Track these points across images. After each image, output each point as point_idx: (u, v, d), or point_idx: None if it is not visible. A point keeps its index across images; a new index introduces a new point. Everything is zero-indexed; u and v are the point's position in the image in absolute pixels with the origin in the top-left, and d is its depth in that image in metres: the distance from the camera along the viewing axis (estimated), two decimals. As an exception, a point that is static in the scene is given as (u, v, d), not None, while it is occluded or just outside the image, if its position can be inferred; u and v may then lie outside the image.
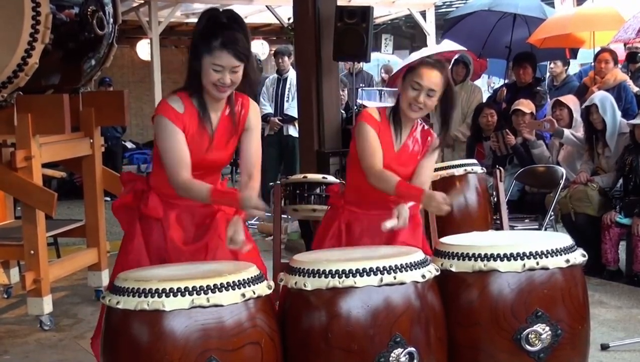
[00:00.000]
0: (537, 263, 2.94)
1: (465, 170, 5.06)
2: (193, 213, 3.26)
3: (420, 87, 3.43)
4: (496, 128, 7.34)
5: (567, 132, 6.73)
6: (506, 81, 9.20)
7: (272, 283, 2.83)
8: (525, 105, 7.15)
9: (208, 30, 3.13)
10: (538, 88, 7.99)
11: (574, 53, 9.34)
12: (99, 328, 3.22)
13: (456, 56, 8.66)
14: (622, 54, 8.78)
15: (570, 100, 7.12)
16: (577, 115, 6.91)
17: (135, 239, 3.25)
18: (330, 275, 2.78)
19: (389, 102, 8.36)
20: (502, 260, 2.95)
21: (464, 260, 3.00)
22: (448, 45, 10.46)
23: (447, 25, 9.96)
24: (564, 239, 3.14)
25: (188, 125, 3.14)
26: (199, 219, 3.27)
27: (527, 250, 2.96)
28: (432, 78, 3.44)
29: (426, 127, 3.66)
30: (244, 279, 2.72)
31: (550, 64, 9.45)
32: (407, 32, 17.60)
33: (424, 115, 3.56)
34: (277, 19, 12.16)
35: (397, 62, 12.19)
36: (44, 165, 5.28)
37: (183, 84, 3.21)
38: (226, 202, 3.19)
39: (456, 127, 8.31)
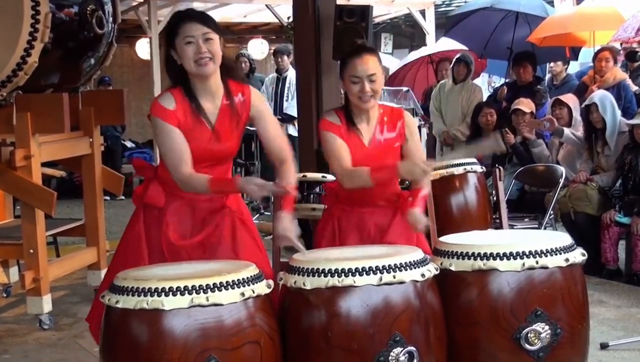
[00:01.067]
0: (537, 262, 2.94)
1: (465, 169, 5.06)
2: (195, 207, 3.26)
3: (359, 78, 3.40)
4: (496, 127, 7.34)
5: (567, 131, 6.73)
6: (507, 80, 9.20)
7: (271, 282, 2.83)
8: (525, 105, 7.15)
9: (172, 20, 3.25)
10: (538, 87, 8.00)
11: (575, 54, 9.34)
12: (94, 310, 3.30)
13: (457, 55, 8.67)
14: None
15: (570, 99, 7.13)
16: (576, 114, 6.92)
17: (137, 226, 3.29)
18: (329, 274, 2.77)
19: (388, 102, 8.37)
20: (501, 259, 2.95)
21: (463, 259, 3.00)
22: (447, 44, 10.46)
23: (449, 24, 9.97)
24: (564, 238, 3.14)
25: (183, 120, 3.16)
26: (200, 213, 3.27)
27: (526, 249, 2.96)
28: (365, 64, 3.40)
29: (395, 108, 3.64)
30: (243, 278, 2.72)
31: (550, 63, 9.45)
32: (406, 31, 17.59)
33: (376, 101, 3.48)
34: (277, 18, 12.16)
35: (394, 61, 12.20)
36: (44, 165, 5.28)
37: (174, 81, 3.24)
38: (226, 189, 3.23)
39: (456, 126, 8.33)
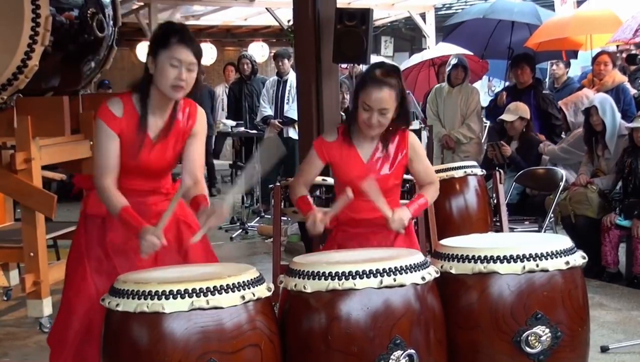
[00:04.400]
0: (537, 265, 2.94)
1: (465, 172, 5.06)
2: (140, 211, 3.20)
3: (371, 108, 3.35)
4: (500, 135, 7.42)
5: (553, 148, 6.82)
6: (506, 83, 9.21)
7: (271, 285, 2.83)
8: (512, 112, 7.16)
9: (165, 31, 3.20)
10: (544, 92, 8.01)
11: (574, 53, 9.36)
12: (56, 324, 3.35)
13: (454, 61, 8.68)
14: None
15: (584, 93, 7.15)
16: (572, 118, 6.92)
17: (82, 238, 3.30)
18: (330, 277, 2.77)
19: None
20: (501, 262, 2.95)
21: (463, 262, 3.00)
22: (449, 47, 10.47)
23: (445, 32, 10.02)
24: (564, 241, 3.14)
25: (126, 129, 3.16)
26: (145, 216, 3.21)
27: (526, 252, 2.96)
28: (381, 98, 3.33)
29: (404, 131, 3.54)
30: (243, 282, 2.72)
31: (552, 66, 9.45)
32: (406, 34, 17.60)
33: (382, 130, 3.44)
34: (277, 21, 12.17)
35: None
36: (44, 168, 5.28)
37: (134, 86, 3.23)
38: (129, 226, 3.14)
39: (457, 129, 8.33)
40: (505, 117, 7.12)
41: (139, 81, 3.22)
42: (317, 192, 4.82)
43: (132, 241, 3.15)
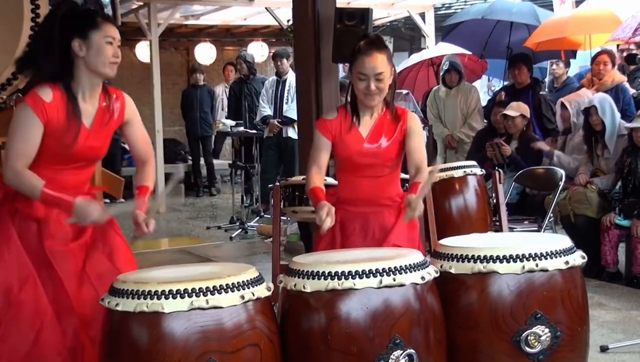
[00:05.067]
0: (537, 265, 2.94)
1: (465, 172, 5.07)
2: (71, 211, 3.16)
3: (366, 76, 3.44)
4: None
5: (558, 154, 6.82)
6: (505, 83, 9.22)
7: (271, 285, 2.83)
8: (515, 109, 7.17)
9: (87, 13, 3.24)
10: (541, 93, 8.00)
11: (572, 53, 9.36)
12: None
13: (446, 66, 8.66)
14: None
15: (583, 94, 7.13)
16: (575, 118, 6.91)
17: (12, 243, 3.14)
18: (329, 277, 2.77)
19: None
20: (501, 262, 2.95)
21: (463, 262, 3.00)
22: (448, 47, 10.48)
23: (444, 32, 10.03)
24: (564, 240, 3.14)
25: (56, 117, 3.11)
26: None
27: (526, 252, 2.96)
28: (374, 63, 3.43)
29: (400, 108, 3.62)
30: (243, 281, 2.72)
31: (552, 65, 9.46)
32: (406, 34, 17.58)
33: (381, 98, 3.51)
34: (277, 20, 12.15)
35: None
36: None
37: (54, 75, 3.15)
38: (58, 204, 3.11)
39: (458, 128, 8.33)
40: (508, 112, 7.12)
41: (60, 68, 3.14)
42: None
43: (73, 240, 3.16)
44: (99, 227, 3.23)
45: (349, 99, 3.60)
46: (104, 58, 3.15)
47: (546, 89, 9.21)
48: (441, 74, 8.69)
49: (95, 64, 3.16)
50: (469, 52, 9.96)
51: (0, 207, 3.21)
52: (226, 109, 12.00)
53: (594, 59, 7.80)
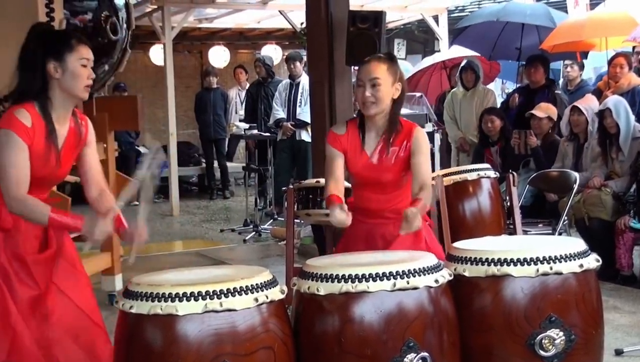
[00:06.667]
0: (551, 268, 2.93)
1: (479, 175, 5.05)
2: (29, 226, 3.15)
3: (363, 82, 3.46)
4: (500, 132, 7.36)
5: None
6: (518, 85, 9.19)
7: (284, 288, 2.83)
8: (543, 110, 7.14)
9: (62, 35, 3.24)
10: (557, 92, 7.96)
11: (584, 53, 9.33)
12: None
13: (463, 63, 8.67)
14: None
15: (590, 100, 7.08)
16: (591, 126, 6.82)
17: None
18: (343, 280, 2.77)
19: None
20: (515, 265, 2.94)
21: (477, 265, 3.00)
22: (461, 50, 10.47)
23: (455, 34, 10.02)
24: (578, 243, 3.12)
25: (35, 140, 3.07)
26: (34, 232, 3.17)
27: (540, 255, 2.95)
28: (370, 68, 3.46)
29: (407, 122, 3.59)
30: (257, 284, 2.72)
31: (566, 68, 9.42)
32: (419, 37, 17.56)
33: (379, 109, 3.48)
34: (290, 23, 12.18)
35: (408, 68, 12.18)
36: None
37: (30, 96, 3.10)
38: (67, 226, 3.11)
39: (472, 131, 8.31)
40: (536, 112, 7.10)
41: (36, 89, 3.11)
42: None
43: (45, 249, 3.15)
44: (59, 235, 3.21)
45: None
46: (80, 81, 3.15)
47: (560, 91, 9.17)
48: (457, 73, 8.67)
49: (71, 86, 3.14)
50: (477, 54, 9.93)
51: None
52: (240, 112, 12.01)
53: (610, 62, 7.77)
